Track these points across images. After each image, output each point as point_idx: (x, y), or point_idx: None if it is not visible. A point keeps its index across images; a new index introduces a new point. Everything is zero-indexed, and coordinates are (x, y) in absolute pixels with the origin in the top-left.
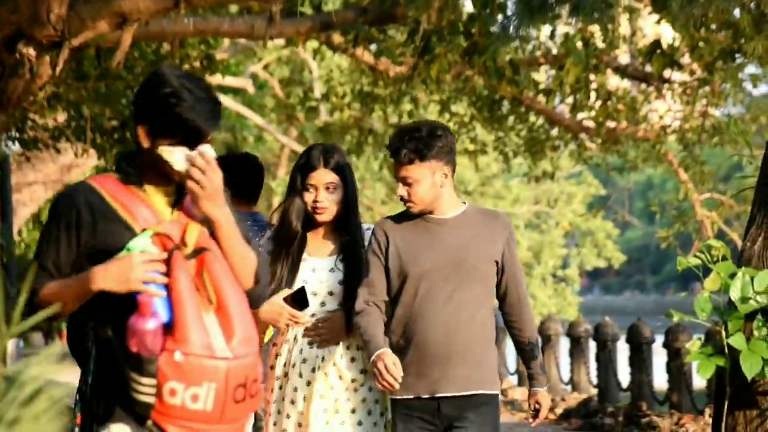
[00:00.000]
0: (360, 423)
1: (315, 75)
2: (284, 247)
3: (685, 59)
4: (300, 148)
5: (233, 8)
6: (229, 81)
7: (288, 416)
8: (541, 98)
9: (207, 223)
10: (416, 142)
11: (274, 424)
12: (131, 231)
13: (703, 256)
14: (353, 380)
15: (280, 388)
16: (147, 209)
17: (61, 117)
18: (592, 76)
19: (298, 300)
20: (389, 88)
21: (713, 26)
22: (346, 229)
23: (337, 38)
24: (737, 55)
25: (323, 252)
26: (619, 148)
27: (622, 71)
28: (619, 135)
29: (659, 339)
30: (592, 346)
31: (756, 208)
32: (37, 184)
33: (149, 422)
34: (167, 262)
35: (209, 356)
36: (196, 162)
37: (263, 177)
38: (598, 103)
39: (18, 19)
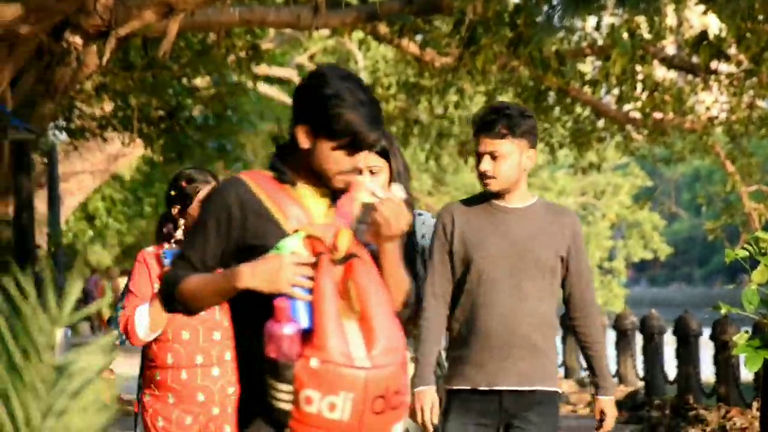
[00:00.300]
0: None
1: (360, 65)
2: None
3: (732, 50)
4: None
5: None
6: (275, 71)
7: None
8: (587, 89)
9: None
10: (510, 118)
11: None
12: (282, 230)
13: (751, 248)
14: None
15: None
16: (300, 209)
17: (108, 106)
18: (638, 67)
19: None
20: (435, 79)
21: (760, 17)
22: None
23: (382, 29)
24: None
25: None
26: (665, 139)
27: (668, 62)
28: (666, 126)
29: (706, 331)
30: (639, 338)
31: None
32: (84, 174)
33: (287, 431)
34: (314, 265)
35: (347, 365)
36: (386, 205)
37: None
38: (645, 94)
39: (65, 9)
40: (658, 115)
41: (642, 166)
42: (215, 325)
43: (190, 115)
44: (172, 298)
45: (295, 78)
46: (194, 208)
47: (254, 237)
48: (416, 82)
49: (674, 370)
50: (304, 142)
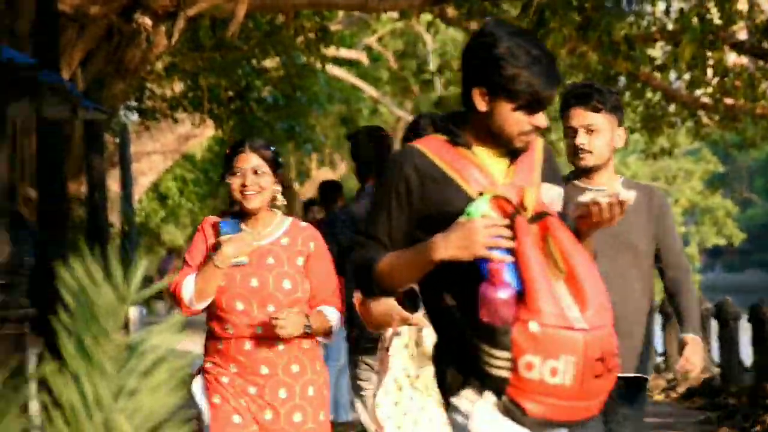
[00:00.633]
0: None
1: (429, 48)
2: None
3: None
4: None
5: None
6: (344, 53)
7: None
8: (657, 74)
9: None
10: (601, 93)
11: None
12: (465, 195)
13: None
14: None
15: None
16: (479, 172)
17: (178, 87)
18: (708, 53)
19: (409, 300)
20: None
21: None
22: None
23: (450, 11)
24: None
25: None
26: (737, 125)
27: (739, 47)
28: (737, 112)
29: None
30: (714, 325)
31: None
32: (155, 154)
33: (504, 398)
34: (510, 227)
35: (565, 327)
36: (610, 207)
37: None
38: (716, 79)
39: None
40: (729, 100)
41: (714, 151)
42: (270, 297)
43: (260, 96)
44: (369, 282)
45: (364, 60)
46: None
47: (437, 204)
48: None
49: (750, 357)
50: (481, 104)
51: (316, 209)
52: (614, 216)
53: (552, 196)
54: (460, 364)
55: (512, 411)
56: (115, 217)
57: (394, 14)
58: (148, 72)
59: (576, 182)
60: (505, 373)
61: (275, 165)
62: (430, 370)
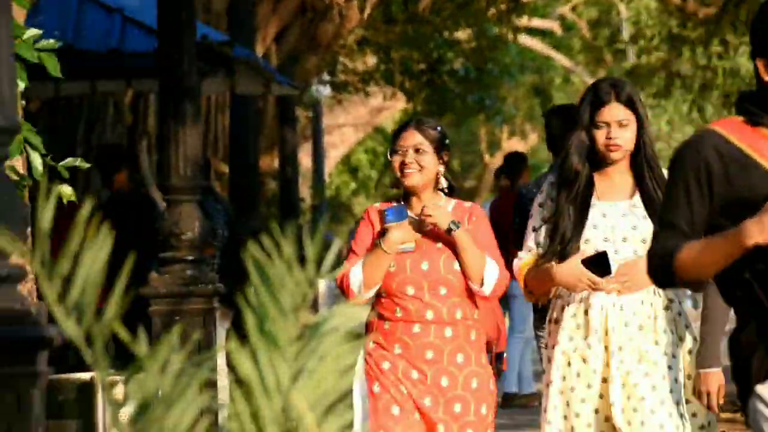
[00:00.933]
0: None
1: (623, 17)
2: (569, 192)
3: None
4: None
5: None
6: (537, 23)
7: (582, 400)
8: None
9: None
10: None
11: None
12: None
13: None
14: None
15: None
16: None
17: (371, 60)
18: None
19: (599, 264)
20: (698, 30)
21: None
22: (640, 169)
23: None
24: None
25: (615, 195)
26: None
27: None
28: None
29: None
30: None
31: None
32: (347, 127)
33: None
34: None
35: None
36: None
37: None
38: None
39: None
40: None
41: None
42: (441, 281)
43: (451, 69)
44: (669, 272)
45: (557, 29)
46: None
47: (742, 189)
48: (679, 33)
49: None
50: (766, 75)
51: (503, 177)
52: None
53: None
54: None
55: None
56: (306, 192)
57: None
58: (341, 46)
59: None
60: None
61: (440, 145)
62: (597, 345)
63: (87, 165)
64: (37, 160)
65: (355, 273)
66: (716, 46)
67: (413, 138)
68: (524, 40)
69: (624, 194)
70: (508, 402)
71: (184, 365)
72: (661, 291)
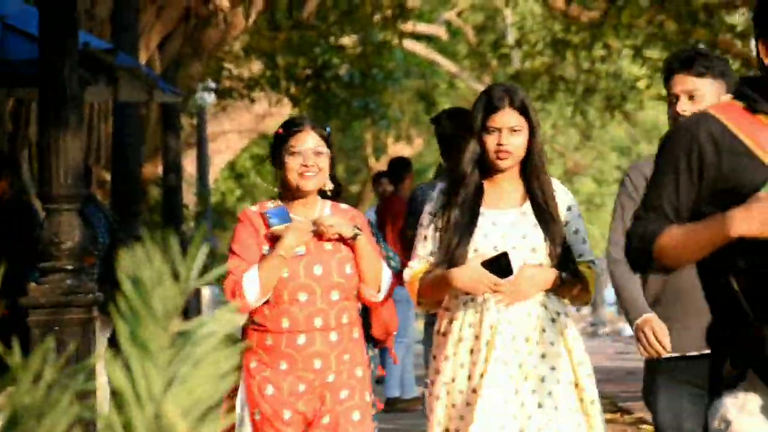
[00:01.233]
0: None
1: (508, 22)
2: (457, 199)
3: None
4: None
5: None
6: (422, 28)
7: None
8: (738, 42)
9: None
10: (708, 57)
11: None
12: (762, 166)
13: None
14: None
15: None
16: None
17: (256, 67)
18: None
19: (500, 265)
20: (581, 35)
21: None
22: (530, 176)
23: None
24: None
25: (504, 203)
26: None
27: None
28: None
29: None
30: None
31: None
32: (232, 133)
33: None
34: None
35: None
36: None
37: None
38: None
39: None
40: None
41: None
42: (334, 285)
43: (337, 74)
44: (646, 256)
45: (443, 34)
46: None
47: (732, 178)
48: (563, 37)
49: None
50: (766, 56)
51: (385, 182)
52: None
53: None
54: (741, 354)
55: None
56: (190, 198)
57: None
58: (226, 52)
59: None
60: None
61: (330, 146)
62: (482, 363)
63: None
64: None
65: (251, 279)
66: (599, 50)
67: (312, 140)
68: (410, 44)
69: (514, 202)
70: (390, 406)
71: (58, 376)
72: (547, 303)
